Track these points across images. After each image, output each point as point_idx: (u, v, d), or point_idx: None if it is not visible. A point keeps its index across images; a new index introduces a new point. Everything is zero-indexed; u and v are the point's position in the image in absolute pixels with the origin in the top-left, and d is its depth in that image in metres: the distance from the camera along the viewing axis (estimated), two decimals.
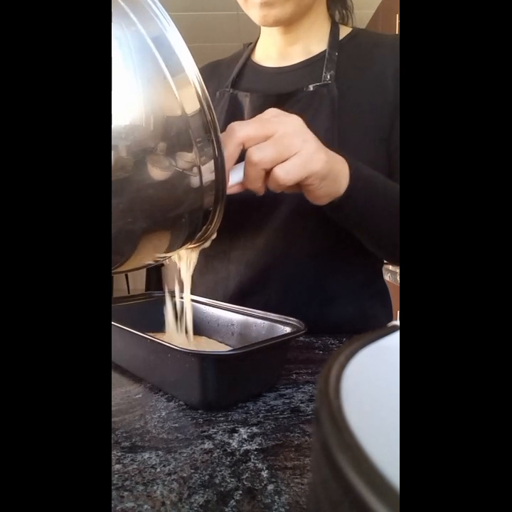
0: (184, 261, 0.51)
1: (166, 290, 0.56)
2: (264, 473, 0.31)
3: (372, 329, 0.17)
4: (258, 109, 0.68)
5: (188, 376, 0.42)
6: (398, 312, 1.10)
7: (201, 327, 0.61)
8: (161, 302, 0.65)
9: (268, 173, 0.43)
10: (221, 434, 0.37)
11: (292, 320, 0.49)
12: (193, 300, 0.63)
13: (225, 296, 0.71)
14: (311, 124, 0.46)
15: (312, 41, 0.70)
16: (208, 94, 0.35)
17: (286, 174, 0.42)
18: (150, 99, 0.33)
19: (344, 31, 0.71)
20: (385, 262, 0.80)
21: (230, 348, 0.53)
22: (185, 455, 0.34)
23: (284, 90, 0.67)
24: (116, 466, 0.32)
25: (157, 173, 0.34)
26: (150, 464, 0.33)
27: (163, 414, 0.41)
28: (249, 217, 0.68)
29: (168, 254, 0.46)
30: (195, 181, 0.37)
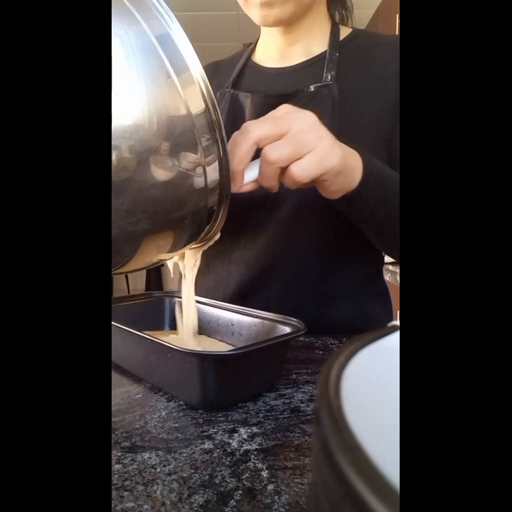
0: (189, 261, 0.51)
1: (185, 292, 0.55)
2: (264, 473, 0.31)
3: (372, 329, 0.17)
4: (259, 110, 0.68)
5: (188, 376, 0.42)
6: (398, 312, 1.10)
7: (201, 327, 0.61)
8: (161, 302, 0.66)
9: (283, 170, 0.43)
10: (221, 434, 0.37)
11: (292, 320, 0.49)
12: None
13: (225, 296, 0.71)
14: None
15: (312, 41, 0.70)
16: (212, 94, 0.34)
17: (302, 171, 0.42)
18: (154, 99, 0.33)
19: (344, 32, 0.71)
20: (385, 261, 0.80)
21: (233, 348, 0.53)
22: (185, 455, 0.34)
23: (285, 91, 0.67)
24: (116, 466, 0.32)
25: (161, 173, 0.34)
26: (150, 464, 0.33)
27: (163, 414, 0.41)
28: (250, 218, 0.68)
29: (171, 255, 0.46)
30: (199, 181, 0.36)
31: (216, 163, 0.36)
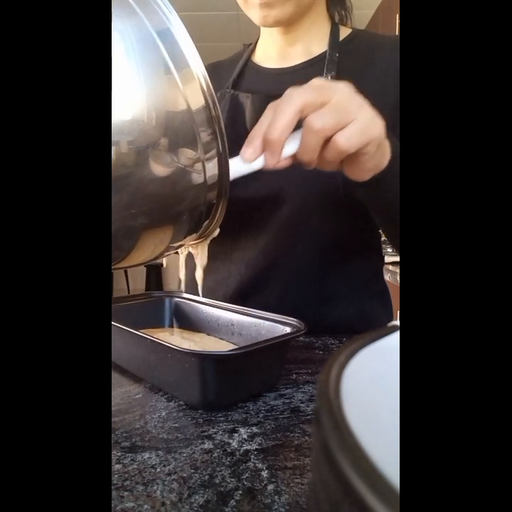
0: (198, 259, 0.51)
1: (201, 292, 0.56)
2: (264, 473, 0.31)
3: (372, 329, 0.17)
4: (259, 110, 0.68)
5: (188, 376, 0.42)
6: (398, 312, 1.10)
7: (201, 327, 0.61)
8: (161, 302, 0.66)
9: (325, 142, 0.41)
10: (221, 434, 0.37)
11: (292, 320, 0.49)
12: (193, 300, 0.63)
13: (226, 296, 0.71)
14: None
15: (312, 42, 0.70)
16: (212, 89, 0.34)
17: (347, 141, 0.40)
18: (153, 94, 0.33)
19: (344, 32, 0.71)
20: (385, 261, 0.80)
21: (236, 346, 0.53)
22: (185, 455, 0.34)
23: (285, 91, 0.67)
24: (116, 466, 0.32)
25: (159, 169, 0.34)
26: (150, 464, 0.33)
27: (163, 414, 0.41)
28: (250, 218, 0.69)
29: (170, 251, 0.46)
30: (198, 177, 0.36)
31: (216, 160, 0.36)
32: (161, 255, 0.45)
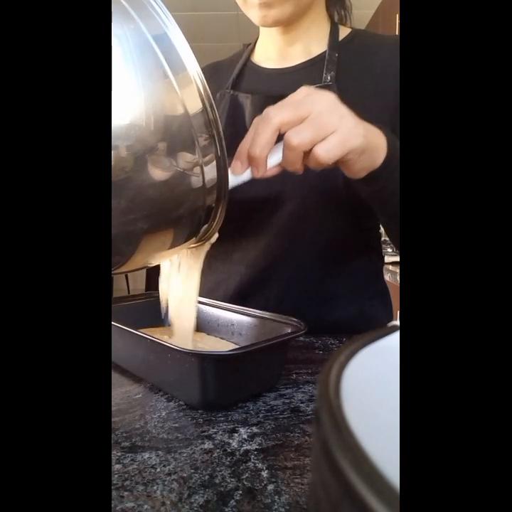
0: (188, 260, 0.50)
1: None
2: (264, 473, 0.31)
3: (372, 329, 0.17)
4: (259, 111, 0.68)
5: (188, 376, 0.42)
6: (398, 312, 1.10)
7: (201, 326, 0.61)
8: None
9: (306, 153, 0.43)
10: (221, 434, 0.37)
11: (292, 320, 0.49)
12: None
13: (226, 296, 0.71)
14: None
15: (312, 42, 0.70)
16: (210, 93, 0.34)
17: (326, 153, 0.42)
18: (151, 99, 0.33)
19: (343, 32, 0.71)
20: (385, 261, 0.80)
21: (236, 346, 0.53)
22: (185, 455, 0.34)
23: (284, 91, 0.67)
24: (116, 466, 0.32)
25: (158, 173, 0.34)
26: (150, 464, 0.33)
27: (163, 414, 0.41)
28: (251, 219, 0.69)
29: (170, 254, 0.46)
30: (196, 181, 0.36)
31: (214, 163, 0.36)
32: (162, 259, 0.45)
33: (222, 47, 2.67)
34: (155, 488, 0.30)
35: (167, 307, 0.54)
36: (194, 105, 0.34)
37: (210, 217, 0.41)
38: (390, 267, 1.77)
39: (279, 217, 0.67)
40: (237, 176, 0.44)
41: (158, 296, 0.67)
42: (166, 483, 0.30)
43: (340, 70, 0.66)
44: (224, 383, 0.42)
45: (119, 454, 0.34)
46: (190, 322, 0.52)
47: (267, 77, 0.72)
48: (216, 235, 0.45)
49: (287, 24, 0.67)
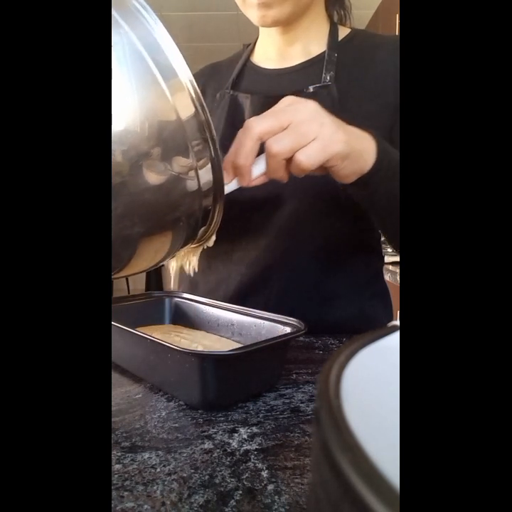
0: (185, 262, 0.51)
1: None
2: (264, 473, 0.31)
3: (372, 329, 0.17)
4: (259, 111, 0.68)
5: (188, 376, 0.42)
6: (398, 312, 1.10)
7: (201, 327, 0.61)
8: (161, 302, 0.66)
9: (289, 160, 0.44)
10: (221, 434, 0.37)
11: (292, 320, 0.49)
12: (193, 300, 0.63)
13: (226, 296, 0.71)
14: None
15: (311, 42, 0.70)
16: (201, 96, 0.34)
17: (307, 159, 0.43)
18: (144, 104, 0.33)
19: (343, 32, 0.71)
20: (385, 261, 0.80)
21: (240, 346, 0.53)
22: (185, 455, 0.34)
23: (284, 92, 0.67)
24: (116, 466, 0.32)
25: (153, 177, 0.35)
26: (150, 464, 0.33)
27: (163, 414, 0.41)
28: (250, 219, 0.69)
29: (168, 258, 0.46)
30: (192, 184, 0.37)
31: (209, 166, 0.37)
32: (160, 262, 0.45)
33: (222, 47, 2.67)
34: (155, 488, 0.30)
35: None
36: (186, 110, 0.34)
37: (208, 219, 0.41)
38: (390, 267, 1.77)
39: (279, 218, 0.67)
40: (226, 185, 0.45)
41: (158, 296, 0.67)
42: (166, 483, 0.30)
43: (340, 70, 0.66)
44: (224, 383, 0.42)
45: (119, 454, 0.34)
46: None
47: (267, 77, 0.72)
48: (213, 238, 0.46)
49: (286, 24, 0.67)
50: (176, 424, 0.39)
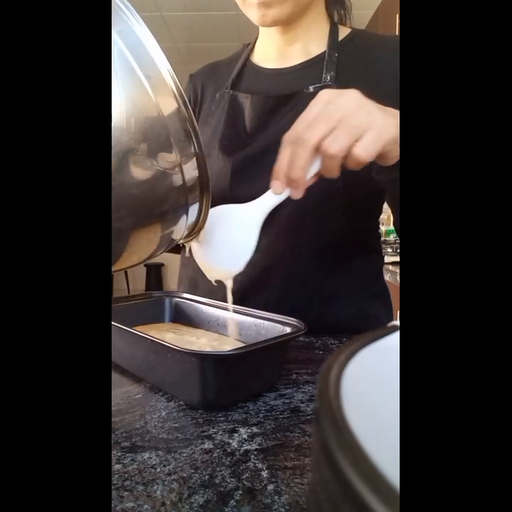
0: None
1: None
2: (264, 473, 0.31)
3: (372, 329, 0.17)
4: (259, 111, 0.69)
5: (188, 376, 0.42)
6: (398, 312, 1.10)
7: (201, 326, 0.61)
8: (161, 302, 0.66)
9: (345, 156, 0.43)
10: (221, 434, 0.37)
11: (292, 320, 0.49)
12: (193, 300, 0.63)
13: (226, 296, 0.71)
14: None
15: (311, 41, 0.70)
16: (183, 91, 0.35)
17: (366, 151, 0.42)
18: (129, 101, 0.34)
19: (343, 32, 0.71)
20: (385, 261, 0.80)
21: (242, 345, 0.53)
22: (185, 455, 0.34)
23: (284, 91, 0.67)
24: (116, 466, 0.32)
25: (139, 172, 0.35)
26: (150, 464, 0.33)
27: (163, 414, 0.41)
28: None
29: (161, 251, 0.46)
30: (177, 179, 0.37)
31: (193, 160, 0.37)
32: (152, 256, 0.45)
33: (222, 47, 2.67)
34: (155, 488, 0.30)
35: None
36: (169, 107, 0.35)
37: (196, 211, 0.42)
38: (390, 267, 1.77)
39: (278, 218, 0.67)
40: (278, 195, 0.46)
41: (158, 296, 0.67)
42: (166, 483, 0.30)
43: (340, 70, 0.66)
44: (224, 383, 0.42)
45: (119, 454, 0.34)
46: None
47: (267, 77, 0.72)
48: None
49: (286, 24, 0.67)
50: (176, 424, 0.39)
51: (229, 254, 0.49)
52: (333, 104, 0.43)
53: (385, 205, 0.72)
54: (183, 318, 0.64)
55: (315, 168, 0.45)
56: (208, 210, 0.42)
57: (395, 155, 0.47)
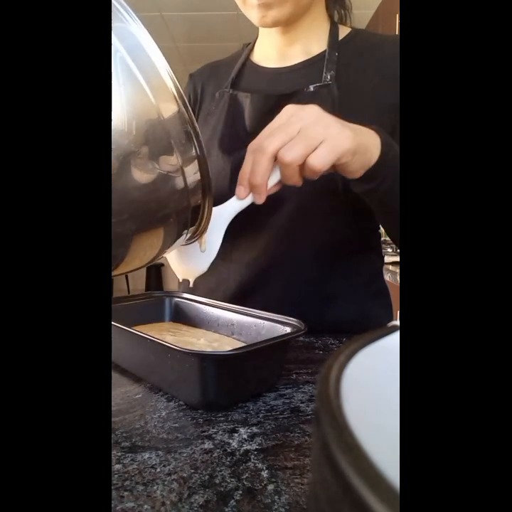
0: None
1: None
2: (264, 473, 0.31)
3: (372, 329, 0.17)
4: (259, 110, 0.68)
5: (188, 376, 0.42)
6: (398, 312, 1.10)
7: (201, 326, 0.61)
8: (161, 302, 0.66)
9: (301, 166, 0.46)
10: (221, 434, 0.37)
11: (292, 320, 0.49)
12: (193, 300, 0.63)
13: (226, 296, 0.71)
14: None
15: (311, 41, 0.70)
16: (183, 93, 0.35)
17: (320, 161, 0.44)
18: (129, 104, 0.34)
19: (343, 31, 0.71)
20: (385, 261, 0.80)
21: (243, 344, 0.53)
22: (185, 455, 0.34)
23: (284, 91, 0.67)
24: (116, 466, 0.32)
25: (141, 175, 0.35)
26: (150, 464, 0.33)
27: (163, 414, 0.41)
28: (250, 219, 0.68)
29: (163, 254, 0.46)
30: (179, 182, 0.37)
31: (195, 163, 0.37)
32: (154, 260, 0.45)
33: (222, 47, 2.67)
34: (155, 488, 0.30)
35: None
36: (169, 109, 0.35)
37: (199, 214, 0.42)
38: (390, 267, 1.77)
39: (278, 217, 0.67)
40: (241, 201, 0.49)
41: (158, 296, 0.67)
42: (166, 483, 0.30)
43: (340, 70, 0.66)
44: (224, 383, 0.42)
45: (119, 454, 0.34)
46: None
47: (267, 77, 0.72)
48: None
49: (286, 24, 0.67)
50: (176, 424, 0.39)
51: (193, 256, 0.51)
52: (295, 117, 0.46)
53: None
54: (183, 318, 0.64)
55: (275, 177, 0.48)
56: (210, 212, 0.42)
57: (353, 168, 0.49)
